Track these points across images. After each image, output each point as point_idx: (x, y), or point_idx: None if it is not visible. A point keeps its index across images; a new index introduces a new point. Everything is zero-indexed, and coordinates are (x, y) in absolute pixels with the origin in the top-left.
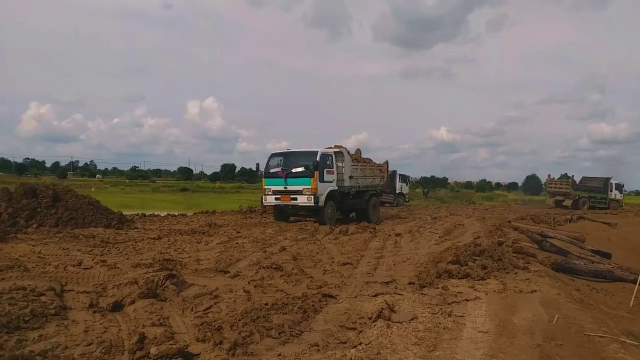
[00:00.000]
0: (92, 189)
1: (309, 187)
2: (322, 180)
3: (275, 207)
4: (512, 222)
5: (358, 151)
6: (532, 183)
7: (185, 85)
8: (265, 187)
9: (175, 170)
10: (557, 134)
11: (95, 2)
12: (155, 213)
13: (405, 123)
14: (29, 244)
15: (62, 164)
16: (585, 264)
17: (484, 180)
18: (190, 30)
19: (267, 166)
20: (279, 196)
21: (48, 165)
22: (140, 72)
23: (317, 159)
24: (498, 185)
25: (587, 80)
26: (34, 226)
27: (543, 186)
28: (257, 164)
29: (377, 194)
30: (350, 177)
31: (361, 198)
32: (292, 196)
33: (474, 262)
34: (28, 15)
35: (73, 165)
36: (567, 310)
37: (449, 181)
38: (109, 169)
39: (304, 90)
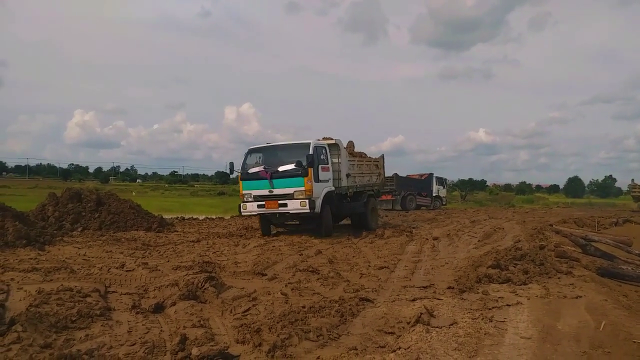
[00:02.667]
0: (133, 193)
1: (302, 189)
2: (317, 179)
3: (260, 218)
4: (554, 226)
5: (350, 144)
6: (574, 185)
7: (223, 91)
8: (244, 192)
9: (212, 175)
10: (602, 135)
11: (136, 13)
12: (194, 216)
13: (442, 125)
14: (75, 246)
15: (105, 169)
16: (632, 268)
17: (524, 182)
18: (228, 37)
19: (245, 165)
20: (262, 202)
21: (91, 170)
22: (180, 80)
23: (311, 152)
24: (538, 187)
25: (635, 78)
26: (79, 229)
27: (627, 189)
28: (231, 163)
29: (374, 195)
30: (348, 176)
31: (359, 200)
32: (280, 202)
33: (515, 267)
34: (71, 28)
35: (115, 171)
36: (614, 317)
37: (487, 184)
38: (149, 174)
39: (340, 95)
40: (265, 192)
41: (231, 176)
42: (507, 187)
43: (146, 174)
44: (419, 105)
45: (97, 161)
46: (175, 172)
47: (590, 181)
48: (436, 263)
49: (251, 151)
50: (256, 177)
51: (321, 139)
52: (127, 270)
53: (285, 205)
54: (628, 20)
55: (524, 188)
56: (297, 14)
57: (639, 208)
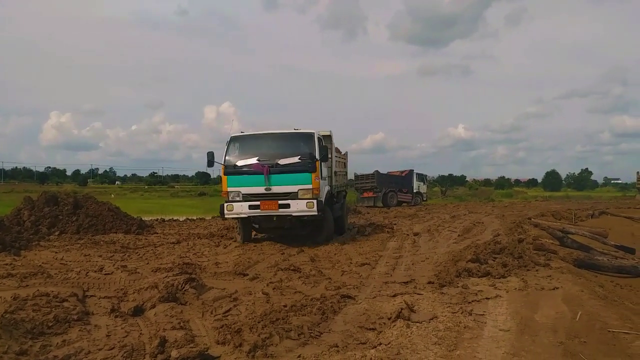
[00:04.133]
0: (112, 195)
1: (309, 187)
2: (321, 176)
3: (242, 222)
4: (533, 219)
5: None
6: (552, 179)
7: (202, 90)
8: (230, 189)
9: (193, 175)
10: (578, 129)
11: (113, 11)
12: (174, 218)
13: (422, 122)
14: (52, 251)
15: (83, 171)
16: (608, 259)
17: (503, 177)
18: (206, 35)
19: (228, 157)
20: (256, 203)
21: (69, 173)
22: (158, 79)
23: (316, 144)
24: (517, 182)
25: (610, 73)
26: (56, 233)
27: (637, 182)
28: (210, 153)
29: (345, 195)
30: (335, 173)
31: (339, 202)
32: (281, 202)
33: (494, 260)
34: (47, 27)
35: (93, 173)
36: (590, 307)
37: (467, 179)
38: (128, 176)
39: (320, 92)
40: (260, 189)
41: (208, 168)
42: (487, 182)
43: (125, 175)
44: (399, 102)
45: (75, 164)
46: (154, 173)
47: (567, 174)
48: (417, 258)
49: (235, 140)
50: (247, 171)
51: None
52: (105, 274)
53: (287, 206)
54: (603, 16)
55: (502, 182)
56: (276, 11)
57: None
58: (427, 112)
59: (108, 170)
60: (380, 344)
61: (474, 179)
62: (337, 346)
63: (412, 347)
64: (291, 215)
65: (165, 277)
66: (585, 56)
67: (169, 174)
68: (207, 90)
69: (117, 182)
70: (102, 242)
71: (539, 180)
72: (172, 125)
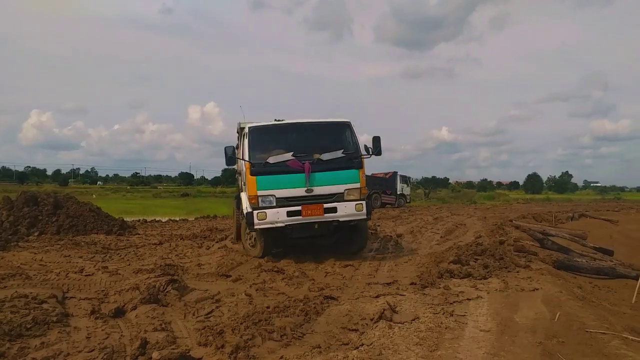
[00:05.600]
0: (94, 195)
1: (357, 186)
2: None
3: (265, 233)
4: (514, 221)
5: None
6: (533, 182)
7: (187, 90)
8: (260, 192)
9: (176, 176)
10: (559, 132)
11: (96, 9)
12: (157, 219)
13: (407, 124)
14: (31, 252)
15: (64, 171)
16: (587, 261)
17: (485, 179)
18: (191, 35)
19: (254, 150)
20: (297, 208)
21: (49, 173)
22: (142, 78)
23: (354, 135)
24: (499, 184)
25: (590, 77)
26: (36, 234)
27: (583, 184)
28: (230, 148)
29: None
30: None
31: None
32: (326, 206)
33: (475, 262)
34: (28, 24)
35: (74, 173)
36: (569, 308)
37: (450, 181)
38: (110, 176)
39: (305, 93)
40: (300, 191)
41: (231, 167)
42: (469, 184)
43: (107, 176)
44: (383, 104)
45: (56, 163)
46: (137, 173)
47: (548, 177)
48: (400, 260)
49: (255, 131)
50: (283, 170)
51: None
52: (86, 275)
53: (333, 210)
54: (584, 22)
55: (485, 185)
56: (262, 12)
57: None
58: (411, 114)
59: (90, 170)
60: (363, 344)
61: (457, 181)
62: (320, 347)
63: (393, 347)
64: (338, 221)
65: (147, 278)
66: (566, 61)
67: (152, 174)
68: (191, 90)
69: (98, 182)
70: (82, 243)
71: (521, 183)
72: (155, 124)
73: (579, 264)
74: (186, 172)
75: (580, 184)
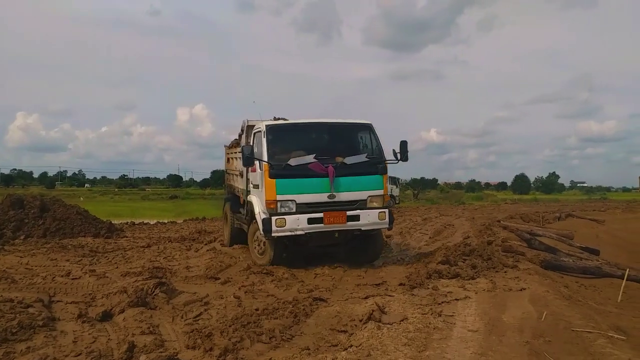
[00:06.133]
0: (81, 198)
1: (380, 193)
2: None
3: (277, 241)
4: (502, 222)
5: None
6: (521, 182)
7: (175, 92)
8: (280, 197)
9: (164, 178)
10: (546, 133)
11: (83, 10)
12: (145, 221)
13: (395, 126)
14: (17, 255)
15: (50, 174)
16: (573, 261)
17: (474, 180)
18: (179, 36)
19: (273, 151)
20: (319, 215)
21: (36, 175)
22: (130, 80)
23: (377, 138)
24: (487, 185)
25: (576, 79)
26: (22, 237)
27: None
28: (249, 148)
29: None
30: None
31: None
32: (349, 213)
33: (463, 262)
34: (14, 24)
35: (61, 175)
36: (555, 307)
37: (439, 182)
38: (98, 178)
39: (294, 95)
40: (322, 197)
41: (254, 170)
42: (458, 185)
43: (95, 178)
44: (372, 106)
45: (42, 166)
46: (125, 175)
47: (535, 178)
48: (388, 260)
49: (272, 130)
50: (305, 173)
51: (274, 118)
52: (73, 278)
53: (356, 218)
54: (570, 24)
55: (473, 186)
56: (250, 13)
57: None
58: (400, 116)
59: (77, 172)
60: (351, 345)
61: (446, 182)
62: (309, 349)
63: (382, 348)
64: (360, 230)
65: (135, 281)
66: (553, 62)
67: (140, 176)
68: (179, 92)
69: (86, 185)
70: (69, 246)
71: (509, 184)
72: (143, 126)
73: (566, 263)
74: (175, 174)
75: (567, 184)
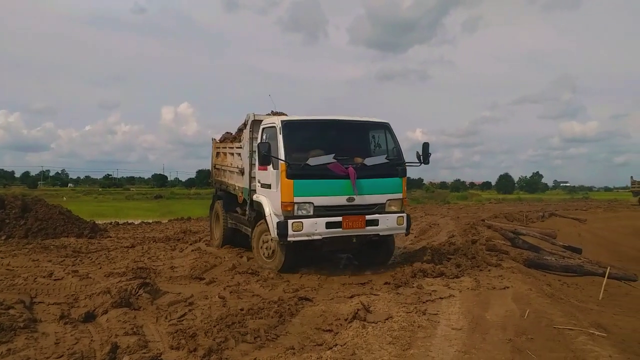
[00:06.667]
0: (64, 198)
1: (400, 196)
2: None
3: (288, 246)
4: (486, 221)
5: None
6: (505, 182)
7: (160, 90)
8: (297, 199)
9: (149, 178)
10: (530, 134)
11: (66, 6)
12: (129, 221)
13: None
14: None
15: (33, 173)
16: (556, 259)
17: (459, 180)
18: (164, 35)
19: (290, 149)
20: (337, 219)
21: (17, 175)
22: (113, 79)
23: (395, 138)
24: (472, 184)
25: (559, 80)
26: (2, 238)
27: (629, 186)
28: (266, 145)
29: None
30: None
31: None
32: (368, 218)
33: (448, 261)
34: None
35: (44, 175)
36: (538, 305)
37: (424, 182)
38: (82, 178)
39: (280, 94)
40: (341, 200)
41: (264, 168)
42: (443, 185)
43: (78, 178)
44: (358, 106)
45: (25, 165)
46: (109, 175)
47: (519, 178)
48: (374, 260)
49: (288, 127)
50: (322, 173)
51: (271, 112)
52: (55, 279)
53: (375, 223)
54: (553, 25)
55: (458, 185)
56: (236, 12)
57: (638, 202)
58: (385, 115)
59: (60, 172)
60: (336, 344)
61: (431, 182)
62: (294, 348)
63: (367, 347)
64: (378, 235)
65: (119, 281)
66: (536, 63)
67: (125, 176)
68: (164, 91)
69: (69, 185)
70: (52, 247)
71: (493, 183)
72: (127, 125)
73: (549, 262)
74: (159, 174)
75: (550, 184)
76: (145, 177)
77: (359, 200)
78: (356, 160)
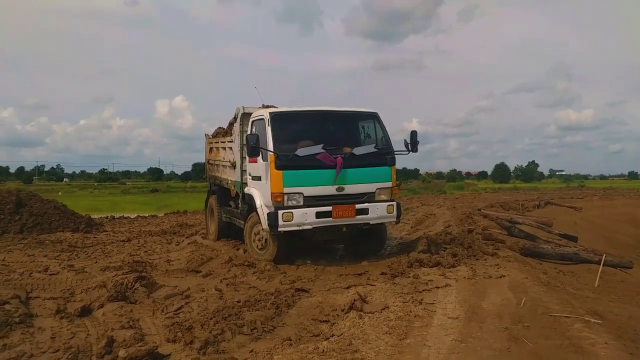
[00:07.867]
0: (60, 193)
1: (389, 185)
2: None
3: (280, 235)
4: (482, 210)
5: None
6: (501, 171)
7: (154, 84)
8: (287, 189)
9: (145, 172)
10: (526, 122)
11: (57, 1)
12: (125, 215)
13: None
14: None
15: (28, 168)
16: (552, 247)
17: (455, 170)
18: (157, 28)
19: (279, 141)
20: (327, 209)
21: (12, 170)
22: (107, 73)
23: (384, 128)
24: (468, 174)
25: (555, 68)
26: None
27: (549, 173)
28: (254, 137)
29: None
30: None
31: None
32: (357, 207)
33: (444, 251)
34: None
35: (39, 170)
36: (534, 293)
37: (420, 172)
38: (77, 173)
39: (275, 86)
40: (330, 190)
41: (254, 161)
42: (439, 175)
43: (74, 172)
44: (354, 97)
45: (19, 161)
46: (104, 169)
47: (515, 167)
48: (367, 249)
49: (277, 119)
50: (311, 163)
51: (263, 106)
52: (51, 274)
53: (365, 212)
54: (549, 14)
55: (454, 175)
56: (229, 4)
57: None
58: (382, 106)
59: (55, 167)
60: (333, 335)
61: (428, 172)
62: (291, 339)
63: (364, 337)
64: (368, 223)
65: (115, 275)
66: (532, 52)
67: (120, 170)
68: (159, 84)
69: (65, 179)
70: (47, 242)
71: (489, 173)
72: (122, 119)
73: (545, 250)
74: (155, 168)
75: (546, 172)
76: (141, 171)
77: (348, 189)
78: (345, 150)
